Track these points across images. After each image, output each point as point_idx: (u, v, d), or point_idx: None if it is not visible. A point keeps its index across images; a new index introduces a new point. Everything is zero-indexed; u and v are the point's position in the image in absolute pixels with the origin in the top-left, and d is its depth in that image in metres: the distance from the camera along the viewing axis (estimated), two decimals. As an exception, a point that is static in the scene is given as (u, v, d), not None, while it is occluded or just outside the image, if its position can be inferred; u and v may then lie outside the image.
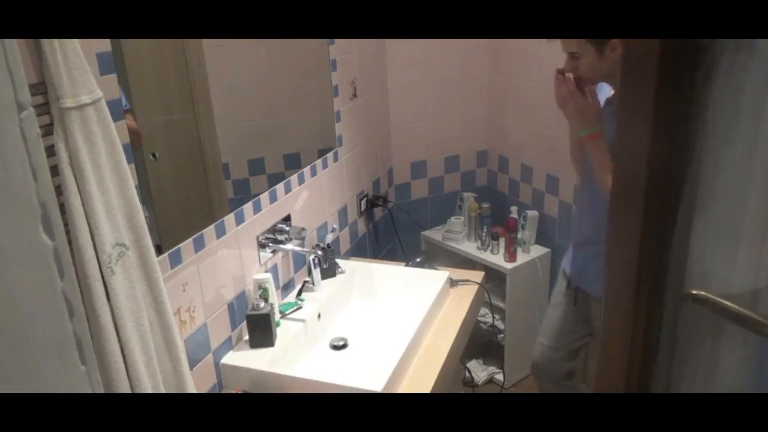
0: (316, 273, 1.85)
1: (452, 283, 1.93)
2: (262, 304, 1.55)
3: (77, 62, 0.92)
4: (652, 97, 0.75)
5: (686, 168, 0.86)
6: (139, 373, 1.03)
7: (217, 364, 1.50)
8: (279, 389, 1.45)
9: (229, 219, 1.52)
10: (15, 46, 0.53)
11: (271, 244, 1.68)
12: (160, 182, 1.37)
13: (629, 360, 1.07)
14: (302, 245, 1.85)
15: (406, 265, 2.03)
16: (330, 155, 2.07)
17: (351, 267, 1.99)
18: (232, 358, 1.52)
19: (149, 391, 1.04)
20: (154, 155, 1.35)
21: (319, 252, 1.81)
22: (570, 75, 1.57)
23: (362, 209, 2.38)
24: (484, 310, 2.72)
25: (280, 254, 1.76)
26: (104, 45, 1.07)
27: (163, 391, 1.09)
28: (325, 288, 1.84)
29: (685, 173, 0.87)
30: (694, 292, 0.93)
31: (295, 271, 1.88)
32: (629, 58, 0.75)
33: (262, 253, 1.66)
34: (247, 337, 1.58)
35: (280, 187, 1.76)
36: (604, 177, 1.51)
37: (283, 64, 1.88)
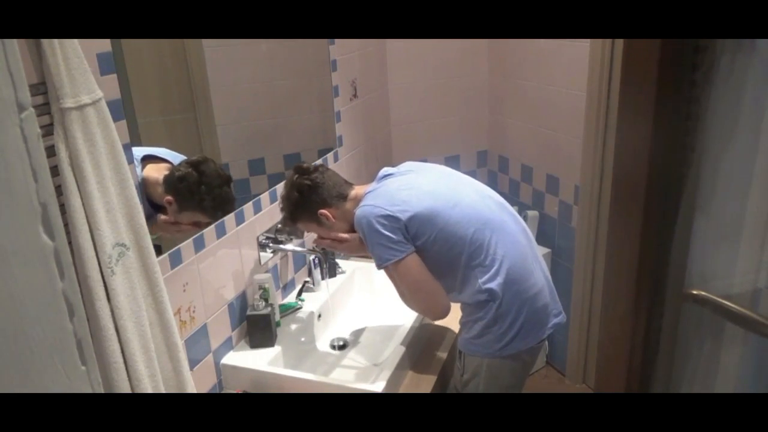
0: (317, 273, 1.85)
1: (452, 283, 1.93)
2: (263, 305, 1.55)
3: (77, 62, 0.92)
4: (652, 97, 0.75)
5: (686, 168, 0.86)
6: (139, 373, 1.03)
7: (217, 364, 1.50)
8: (279, 389, 1.45)
9: (230, 219, 1.52)
10: (15, 46, 0.53)
11: (271, 245, 1.68)
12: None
13: (629, 360, 1.07)
14: (302, 245, 1.85)
15: (406, 265, 2.03)
16: (330, 155, 2.07)
17: (351, 267, 1.99)
18: (232, 359, 1.52)
19: (149, 391, 1.04)
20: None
21: (320, 252, 1.81)
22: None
23: (362, 209, 2.38)
24: (484, 310, 2.71)
25: (280, 254, 1.76)
26: (104, 45, 1.07)
27: (163, 391, 1.09)
28: (325, 288, 1.84)
29: (685, 173, 0.87)
30: (694, 292, 0.93)
31: (296, 272, 1.88)
32: (629, 58, 0.76)
33: (262, 254, 1.66)
34: (247, 338, 1.58)
35: (280, 187, 1.76)
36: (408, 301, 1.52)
37: (283, 64, 1.88)
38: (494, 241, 1.41)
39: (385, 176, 1.54)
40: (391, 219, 1.40)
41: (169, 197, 1.32)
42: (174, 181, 1.33)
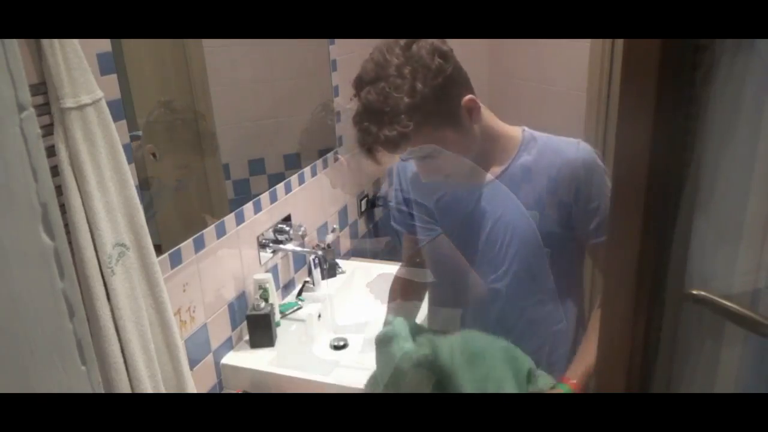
0: (317, 273, 1.85)
1: (452, 283, 1.93)
2: (263, 304, 1.55)
3: (77, 62, 0.93)
4: (652, 97, 0.75)
5: (686, 168, 0.86)
6: (139, 373, 1.03)
7: (217, 364, 1.50)
8: (279, 389, 1.45)
9: (230, 219, 1.52)
10: (15, 46, 0.53)
11: (271, 244, 1.68)
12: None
13: (629, 360, 1.06)
14: (302, 245, 1.85)
15: (407, 265, 2.02)
16: (330, 155, 2.07)
17: (351, 267, 1.99)
18: (232, 358, 1.52)
19: (149, 391, 1.04)
20: (154, 155, 1.35)
21: (319, 252, 1.81)
22: None
23: (362, 209, 2.38)
24: (484, 310, 2.71)
25: (280, 254, 1.76)
26: (104, 45, 1.07)
27: (163, 391, 1.09)
28: (325, 288, 1.84)
29: (685, 173, 0.87)
30: (694, 292, 0.93)
31: (296, 271, 1.88)
32: (629, 58, 0.75)
33: (262, 253, 1.66)
34: (247, 338, 1.58)
35: (280, 187, 1.75)
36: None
37: (283, 64, 1.88)
38: (508, 240, 1.40)
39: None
40: None
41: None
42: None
